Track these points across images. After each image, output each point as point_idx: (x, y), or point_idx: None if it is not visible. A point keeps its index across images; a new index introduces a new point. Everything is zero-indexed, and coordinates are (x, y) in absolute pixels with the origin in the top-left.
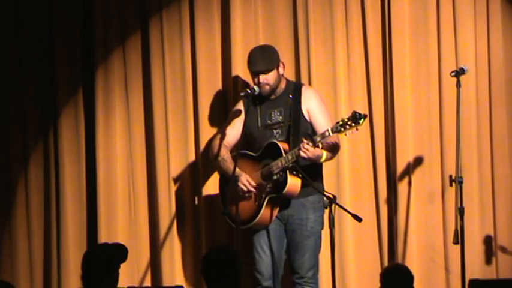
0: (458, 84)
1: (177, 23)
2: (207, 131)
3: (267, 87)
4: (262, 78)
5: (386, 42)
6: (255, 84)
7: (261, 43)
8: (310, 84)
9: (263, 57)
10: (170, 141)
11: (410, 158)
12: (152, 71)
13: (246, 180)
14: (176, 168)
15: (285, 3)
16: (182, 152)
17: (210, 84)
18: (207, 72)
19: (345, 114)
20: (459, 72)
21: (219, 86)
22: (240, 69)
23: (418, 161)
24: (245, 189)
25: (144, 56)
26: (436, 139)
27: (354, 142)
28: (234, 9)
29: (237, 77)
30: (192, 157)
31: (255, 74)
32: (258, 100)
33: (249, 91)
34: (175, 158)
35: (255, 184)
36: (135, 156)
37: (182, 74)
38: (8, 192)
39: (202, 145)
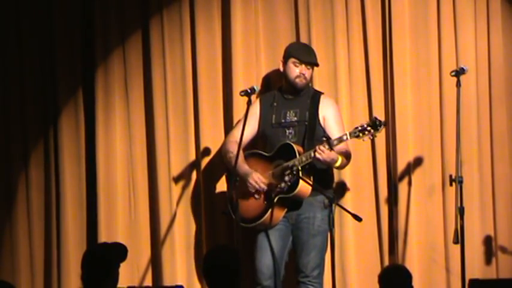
0: (458, 84)
1: (177, 22)
2: (208, 131)
3: (304, 81)
4: (305, 70)
5: (386, 42)
6: (296, 72)
7: (262, 43)
8: (311, 82)
9: (312, 53)
10: (170, 140)
11: (410, 158)
12: (152, 70)
13: (258, 178)
14: (176, 168)
15: (285, 2)
16: (182, 151)
17: (211, 83)
18: (207, 72)
19: (345, 114)
20: (459, 72)
21: (220, 86)
22: (241, 69)
23: (418, 161)
24: (256, 186)
25: (144, 55)
26: (437, 139)
27: (354, 141)
28: (234, 8)
29: (236, 75)
30: (192, 157)
31: (301, 63)
32: (276, 98)
33: (248, 91)
34: (176, 157)
35: (266, 183)
36: (135, 156)
37: (182, 74)
38: (8, 192)
39: (203, 145)
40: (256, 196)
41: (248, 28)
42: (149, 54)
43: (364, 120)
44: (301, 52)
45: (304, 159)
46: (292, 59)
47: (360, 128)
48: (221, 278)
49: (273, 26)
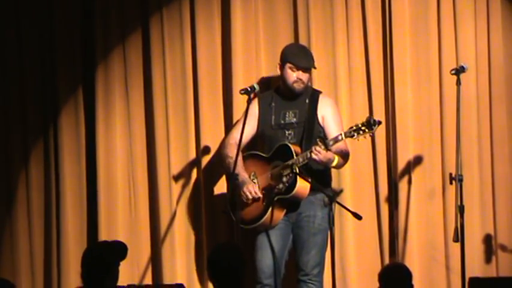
0: (458, 82)
1: (177, 21)
2: (208, 129)
3: (302, 86)
4: (303, 74)
5: (386, 41)
6: (293, 77)
7: (261, 41)
8: (311, 81)
9: (309, 56)
10: (171, 139)
11: (410, 156)
12: (153, 69)
13: (253, 190)
14: (177, 166)
15: (285, 1)
16: (183, 149)
17: (211, 82)
18: (207, 70)
19: (345, 113)
20: (459, 70)
21: (220, 84)
22: (241, 67)
23: (419, 159)
24: (249, 196)
25: (144, 54)
26: (437, 137)
27: (354, 140)
28: (234, 7)
29: (236, 74)
30: (192, 155)
31: (298, 68)
32: (274, 98)
33: (248, 89)
34: (176, 155)
35: (260, 195)
36: (136, 154)
37: (183, 72)
38: (8, 190)
39: (203, 143)
40: (249, 202)
41: (248, 27)
42: (149, 53)
43: (364, 119)
44: (297, 57)
45: (301, 160)
46: (289, 65)
47: (354, 128)
48: (226, 276)
49: (272, 24)
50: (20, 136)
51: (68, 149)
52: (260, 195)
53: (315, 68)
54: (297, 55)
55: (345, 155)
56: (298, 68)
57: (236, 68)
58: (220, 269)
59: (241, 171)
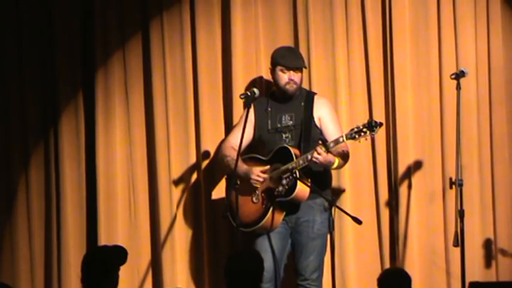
0: (458, 87)
1: (177, 24)
2: (208, 133)
3: (295, 86)
4: (294, 75)
5: (387, 44)
6: (285, 79)
7: (262, 45)
8: (310, 85)
9: (298, 56)
10: (171, 143)
11: (410, 161)
12: (153, 72)
13: (258, 173)
14: (177, 170)
15: (285, 5)
16: (183, 154)
17: (211, 86)
18: (207, 74)
19: (345, 117)
20: (459, 75)
21: (220, 88)
22: (241, 71)
23: (419, 164)
24: (260, 179)
25: (144, 57)
26: (437, 141)
27: (354, 144)
28: (234, 11)
29: (237, 78)
30: (192, 159)
31: (288, 69)
32: (269, 103)
33: (248, 93)
34: (176, 159)
35: (266, 176)
36: (136, 158)
37: (183, 76)
38: (8, 193)
39: (203, 147)
40: (255, 200)
41: (248, 31)
42: (149, 58)
43: (365, 121)
44: (286, 58)
45: (301, 162)
46: (279, 67)
47: (355, 130)
48: (248, 284)
49: (272, 28)
50: (20, 139)
51: (68, 153)
52: (264, 175)
53: (305, 67)
54: (286, 56)
55: (345, 156)
56: (288, 69)
57: (236, 73)
58: (243, 279)
59: (241, 165)
